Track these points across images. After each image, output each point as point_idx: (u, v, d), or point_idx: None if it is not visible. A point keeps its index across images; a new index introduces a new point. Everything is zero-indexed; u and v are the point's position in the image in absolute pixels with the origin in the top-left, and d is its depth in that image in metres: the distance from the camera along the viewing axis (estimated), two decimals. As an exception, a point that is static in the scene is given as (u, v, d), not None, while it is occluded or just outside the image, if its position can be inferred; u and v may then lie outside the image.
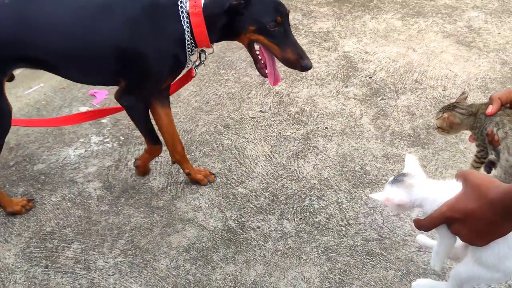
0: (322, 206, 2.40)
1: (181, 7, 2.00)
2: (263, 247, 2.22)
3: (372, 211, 2.36)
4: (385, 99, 3.06)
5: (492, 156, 1.82)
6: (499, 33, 3.69)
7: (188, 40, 2.04)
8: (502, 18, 3.88)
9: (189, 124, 2.94)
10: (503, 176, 1.71)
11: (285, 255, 2.18)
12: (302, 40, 3.69)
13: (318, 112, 2.99)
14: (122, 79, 2.13)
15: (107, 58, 2.05)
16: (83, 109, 3.06)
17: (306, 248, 2.20)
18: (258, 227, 2.31)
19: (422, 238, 1.79)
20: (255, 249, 2.21)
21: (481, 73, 3.27)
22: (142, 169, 2.55)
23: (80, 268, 2.16)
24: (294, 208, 2.39)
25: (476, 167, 1.85)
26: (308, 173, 2.58)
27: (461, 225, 1.12)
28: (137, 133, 2.87)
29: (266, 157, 2.67)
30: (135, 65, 2.06)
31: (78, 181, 2.59)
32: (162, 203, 2.46)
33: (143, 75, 2.10)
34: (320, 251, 2.18)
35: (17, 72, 3.36)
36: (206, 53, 2.17)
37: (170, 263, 2.17)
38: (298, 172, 2.59)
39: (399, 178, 1.30)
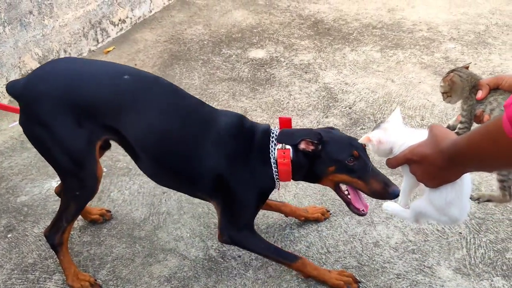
0: (303, 235, 2.43)
1: (271, 155, 2.02)
2: (244, 275, 2.24)
3: (351, 239, 2.39)
4: (364, 128, 3.13)
5: None
6: (475, 64, 3.79)
7: (275, 179, 2.06)
8: (478, 49, 3.99)
9: (172, 155, 2.97)
10: None
11: (266, 284, 2.20)
12: (283, 72, 3.77)
13: (299, 142, 3.04)
14: (212, 200, 2.14)
15: (199, 178, 2.06)
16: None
17: (287, 276, 2.23)
18: (239, 256, 2.33)
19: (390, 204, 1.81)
20: (236, 278, 2.23)
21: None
22: None
23: (61, 299, 2.17)
24: (275, 237, 2.42)
25: None
26: (288, 202, 2.61)
27: (417, 167, 1.34)
28: (120, 164, 2.91)
29: (247, 187, 2.71)
30: (227, 192, 2.07)
31: (61, 212, 2.60)
32: (144, 233, 2.48)
33: (234, 203, 2.10)
34: (301, 279, 2.20)
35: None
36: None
37: (151, 293, 2.18)
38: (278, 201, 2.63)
39: (379, 124, 1.51)
